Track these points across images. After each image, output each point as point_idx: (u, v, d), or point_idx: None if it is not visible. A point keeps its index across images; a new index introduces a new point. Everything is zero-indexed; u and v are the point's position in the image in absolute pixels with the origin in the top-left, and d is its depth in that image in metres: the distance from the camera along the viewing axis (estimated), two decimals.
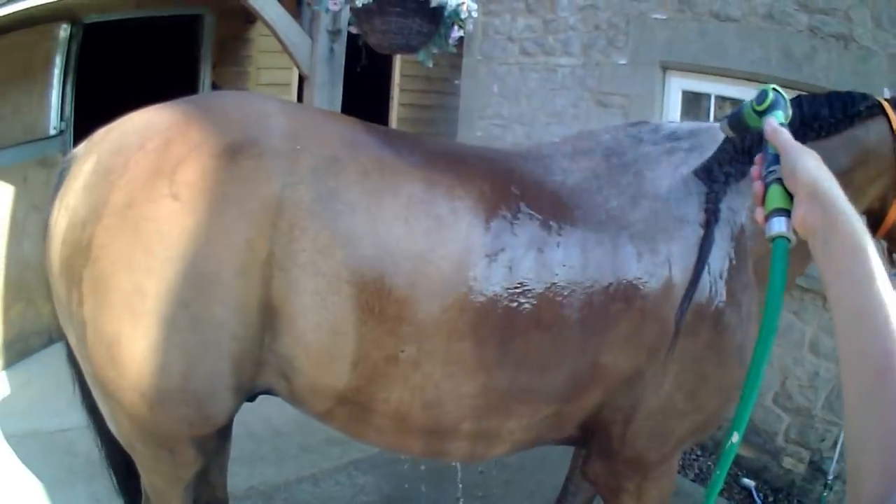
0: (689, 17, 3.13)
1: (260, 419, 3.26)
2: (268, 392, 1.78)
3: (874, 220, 1.85)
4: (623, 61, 3.39)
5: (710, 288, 1.61)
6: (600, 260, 1.59)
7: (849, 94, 1.76)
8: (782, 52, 3.00)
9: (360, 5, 2.76)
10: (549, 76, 3.88)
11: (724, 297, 1.62)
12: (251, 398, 1.81)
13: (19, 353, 3.86)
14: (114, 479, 2.24)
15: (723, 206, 1.64)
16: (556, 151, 1.76)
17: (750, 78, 2.98)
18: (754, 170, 0.93)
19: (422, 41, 2.90)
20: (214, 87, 5.07)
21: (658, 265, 1.59)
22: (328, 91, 3.45)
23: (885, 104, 1.74)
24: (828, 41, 2.86)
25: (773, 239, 0.85)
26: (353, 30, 3.14)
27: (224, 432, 1.89)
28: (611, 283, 1.58)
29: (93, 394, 1.79)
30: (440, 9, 2.79)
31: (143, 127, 1.56)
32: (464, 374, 1.57)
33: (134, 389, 1.57)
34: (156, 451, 1.75)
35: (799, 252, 1.68)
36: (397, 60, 5.43)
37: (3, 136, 3.66)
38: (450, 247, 1.52)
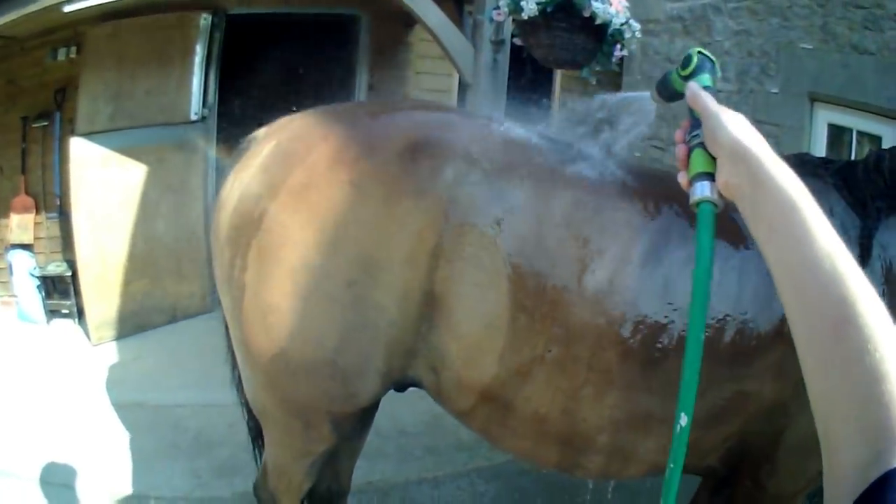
0: (833, 48, 3.04)
1: (388, 417, 3.23)
2: (414, 384, 1.80)
3: None
4: (775, 90, 3.35)
5: None
6: (756, 287, 1.56)
7: None
8: None
9: (525, 18, 2.80)
10: None
11: None
12: (400, 388, 1.81)
13: (136, 327, 4.01)
14: (258, 457, 2.28)
15: (875, 243, 1.61)
16: None
17: (887, 114, 2.84)
18: (678, 133, 0.89)
19: (586, 57, 2.94)
20: (371, 89, 5.13)
21: None
22: (491, 100, 3.48)
23: None
24: None
25: (698, 204, 0.83)
26: (518, 41, 3.19)
27: (364, 420, 1.91)
28: (764, 312, 1.56)
29: (236, 357, 1.85)
30: (605, 26, 2.82)
31: (326, 121, 1.67)
32: (607, 384, 1.58)
33: (282, 357, 1.64)
34: (291, 422, 1.80)
35: None
36: (558, 74, 5.40)
37: (134, 116, 3.84)
38: (607, 256, 1.55)
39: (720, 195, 0.81)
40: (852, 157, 3.04)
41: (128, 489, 2.89)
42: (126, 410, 3.42)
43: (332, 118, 1.67)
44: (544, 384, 1.60)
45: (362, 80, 5.07)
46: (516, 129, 1.75)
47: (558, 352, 1.57)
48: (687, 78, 0.93)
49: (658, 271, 1.57)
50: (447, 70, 4.64)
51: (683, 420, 0.91)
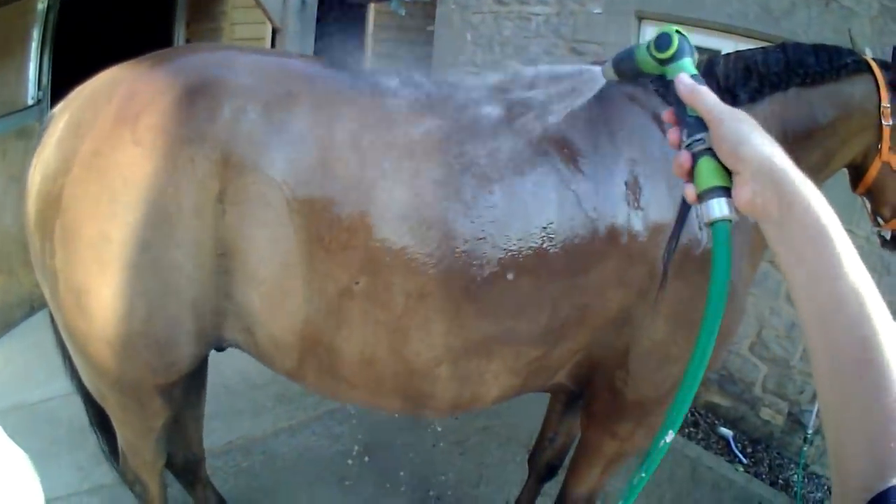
0: None
1: (236, 373, 3.27)
2: (236, 346, 1.78)
3: (855, 175, 1.87)
4: (598, 10, 3.35)
5: (698, 229, 1.57)
6: (582, 195, 1.53)
7: (835, 47, 1.76)
8: (760, 6, 2.97)
9: None
10: (523, 24, 3.84)
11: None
12: (220, 349, 1.82)
13: (2, 325, 3.85)
14: (100, 440, 2.28)
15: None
16: (525, 83, 1.64)
17: (726, 30, 2.97)
18: (672, 133, 0.81)
19: None
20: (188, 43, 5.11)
21: (641, 203, 1.54)
22: (299, 42, 3.42)
23: (872, 62, 1.76)
24: None
25: (713, 223, 0.72)
26: None
27: (194, 383, 1.91)
28: (592, 221, 1.53)
29: (67, 347, 1.81)
30: None
31: (111, 81, 1.60)
32: (432, 312, 1.53)
33: (101, 338, 1.60)
34: (124, 400, 1.78)
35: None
36: (371, 10, 5.40)
37: None
38: (403, 173, 1.50)
39: (736, 211, 0.72)
40: None
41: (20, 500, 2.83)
42: (6, 416, 3.26)
43: (118, 77, 1.61)
44: (361, 321, 1.55)
45: (180, 36, 5.03)
46: (297, 61, 1.69)
47: (367, 282, 1.51)
48: (664, 62, 0.83)
49: (464, 185, 1.51)
50: (261, 18, 4.53)
51: (669, 436, 0.85)
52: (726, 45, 2.93)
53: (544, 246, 1.51)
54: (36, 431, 3.21)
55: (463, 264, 1.49)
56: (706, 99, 0.75)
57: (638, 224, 1.54)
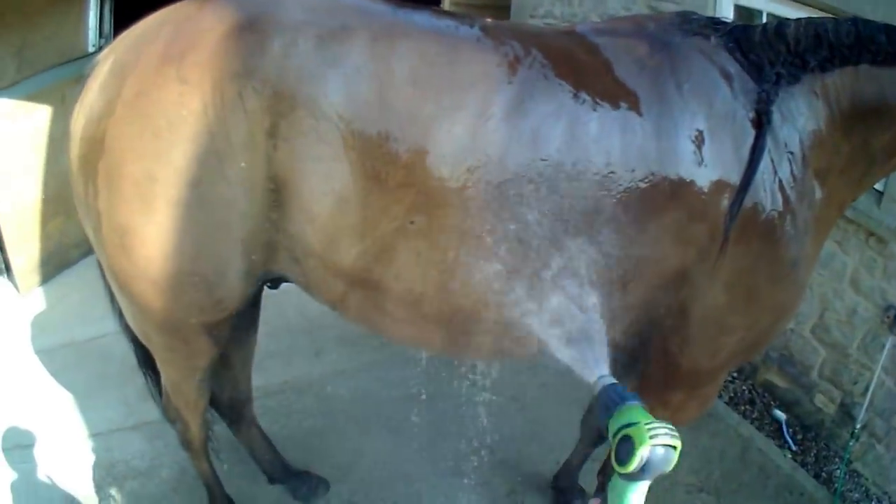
0: None
1: (297, 313, 3.24)
2: (284, 280, 1.78)
3: None
4: None
5: (765, 192, 1.52)
6: (642, 145, 1.49)
7: None
8: None
9: None
10: None
11: (778, 206, 1.53)
12: (274, 285, 1.81)
13: (58, 266, 3.97)
14: (148, 378, 2.32)
15: (774, 109, 1.53)
16: (595, 30, 1.65)
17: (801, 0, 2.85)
18: None
19: None
20: None
21: (705, 160, 1.49)
22: None
23: None
24: None
25: None
26: None
27: (243, 323, 1.90)
28: (654, 172, 1.49)
29: (111, 287, 1.83)
30: None
31: (156, 23, 1.60)
32: (482, 252, 1.49)
33: (145, 277, 1.61)
34: (169, 340, 1.80)
35: (849, 176, 1.60)
36: None
37: (37, 63, 3.73)
38: (464, 111, 1.46)
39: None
40: None
41: (65, 434, 2.92)
42: (55, 353, 3.42)
43: (163, 19, 1.61)
44: (413, 259, 1.54)
45: None
46: None
47: (423, 221, 1.49)
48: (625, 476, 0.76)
49: (526, 123, 1.47)
50: None
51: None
52: (800, 14, 2.81)
53: (602, 192, 1.47)
54: (86, 367, 3.31)
55: (519, 206, 1.47)
56: None
57: (700, 179, 1.50)
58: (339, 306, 1.74)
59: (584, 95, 1.48)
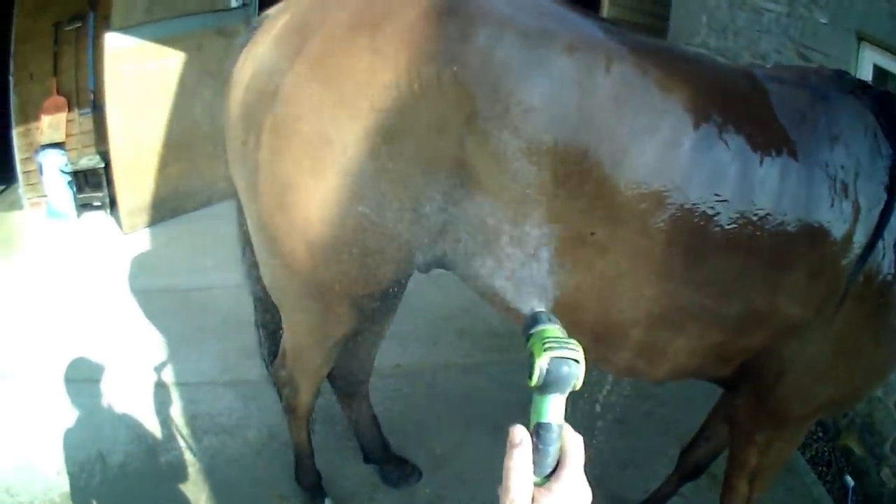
0: None
1: (421, 298, 3.16)
2: (441, 265, 1.74)
3: None
4: (824, 20, 3.22)
5: (884, 256, 1.55)
6: (796, 193, 1.51)
7: None
8: None
9: None
10: (755, 17, 3.77)
11: (893, 271, 1.56)
12: (424, 270, 1.76)
13: (170, 212, 4.02)
14: (260, 337, 2.30)
15: None
16: (765, 75, 1.68)
17: None
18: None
19: None
20: None
21: (845, 215, 1.54)
22: None
23: None
24: None
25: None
26: None
27: (387, 304, 1.87)
28: (801, 219, 1.52)
29: (252, 241, 1.82)
30: None
31: None
32: (648, 273, 1.54)
33: (300, 236, 1.60)
34: (309, 304, 1.78)
35: None
36: None
37: (172, 7, 3.78)
38: (658, 136, 1.47)
39: None
40: None
41: (153, 378, 2.91)
42: (155, 296, 3.43)
43: None
44: (583, 268, 1.55)
45: None
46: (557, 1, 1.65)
47: (602, 234, 1.51)
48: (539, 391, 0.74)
49: (708, 157, 1.49)
50: None
51: None
52: None
53: (758, 234, 1.51)
54: (185, 316, 3.29)
55: (691, 234, 1.50)
56: (512, 475, 0.64)
57: (837, 232, 1.54)
58: (489, 297, 1.73)
59: (755, 138, 1.51)
